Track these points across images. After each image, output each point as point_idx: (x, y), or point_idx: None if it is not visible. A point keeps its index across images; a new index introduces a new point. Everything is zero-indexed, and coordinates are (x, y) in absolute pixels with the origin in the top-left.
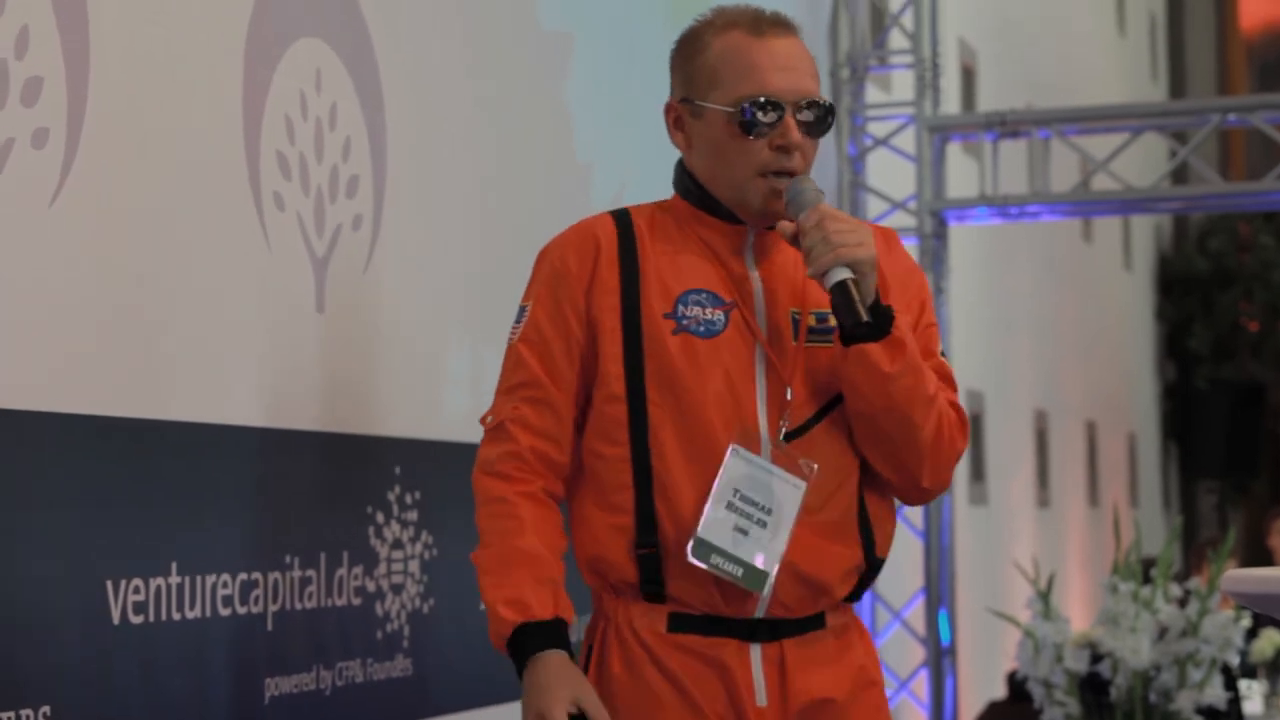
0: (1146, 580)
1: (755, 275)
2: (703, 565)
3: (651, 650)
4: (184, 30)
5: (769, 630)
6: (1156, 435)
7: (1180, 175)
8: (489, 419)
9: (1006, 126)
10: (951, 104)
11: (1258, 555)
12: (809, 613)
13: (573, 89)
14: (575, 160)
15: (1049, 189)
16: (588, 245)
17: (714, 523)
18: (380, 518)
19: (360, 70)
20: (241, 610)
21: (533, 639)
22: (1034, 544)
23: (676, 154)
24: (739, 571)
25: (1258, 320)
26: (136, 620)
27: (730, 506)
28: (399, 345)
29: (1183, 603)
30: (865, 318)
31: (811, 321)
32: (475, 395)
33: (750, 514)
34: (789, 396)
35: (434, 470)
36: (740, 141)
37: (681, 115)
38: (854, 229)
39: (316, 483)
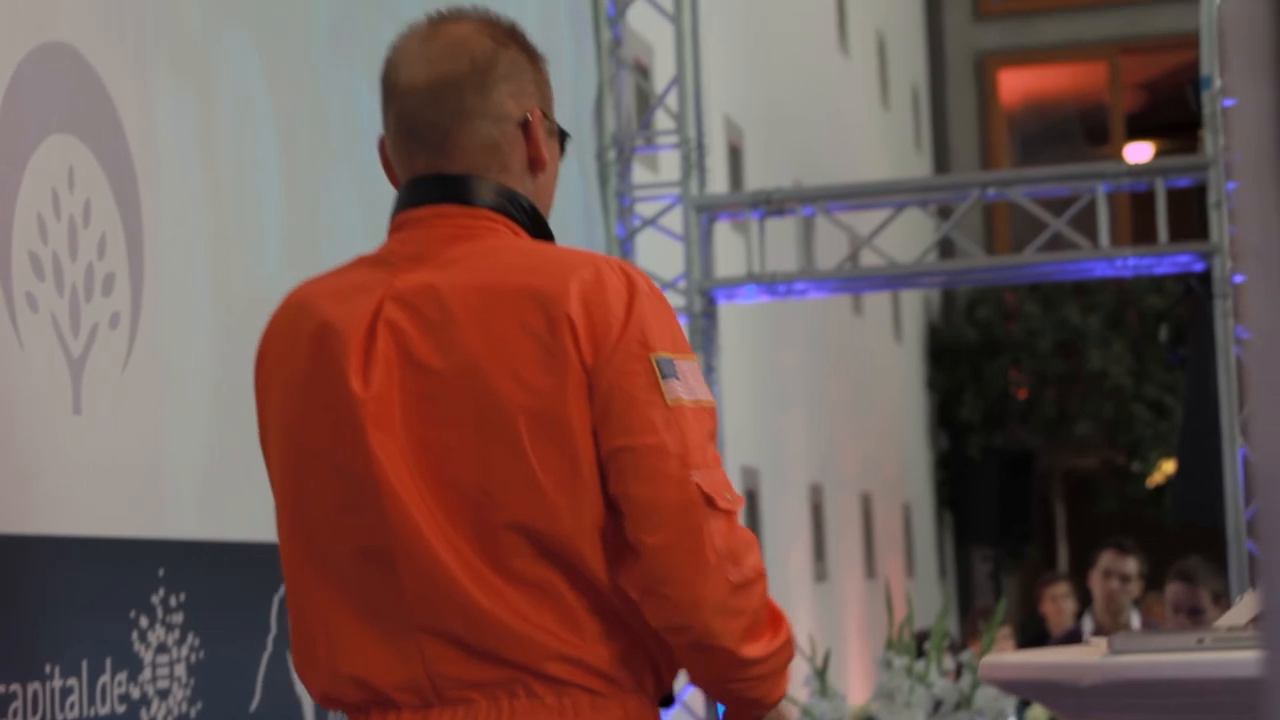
0: (920, 654)
1: None
2: None
3: None
4: None
5: None
6: (931, 504)
7: (946, 248)
8: (728, 496)
9: (772, 205)
10: (719, 182)
11: (1032, 621)
12: None
13: (334, 172)
14: (320, 250)
15: (816, 266)
16: None
17: None
18: (144, 621)
19: (114, 165)
20: None
21: None
22: (812, 619)
23: None
24: None
25: (1026, 388)
26: None
27: None
28: (160, 445)
29: (957, 675)
30: None
31: None
32: (241, 494)
33: None
34: None
35: (199, 571)
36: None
37: (543, 128)
38: None
39: (77, 588)
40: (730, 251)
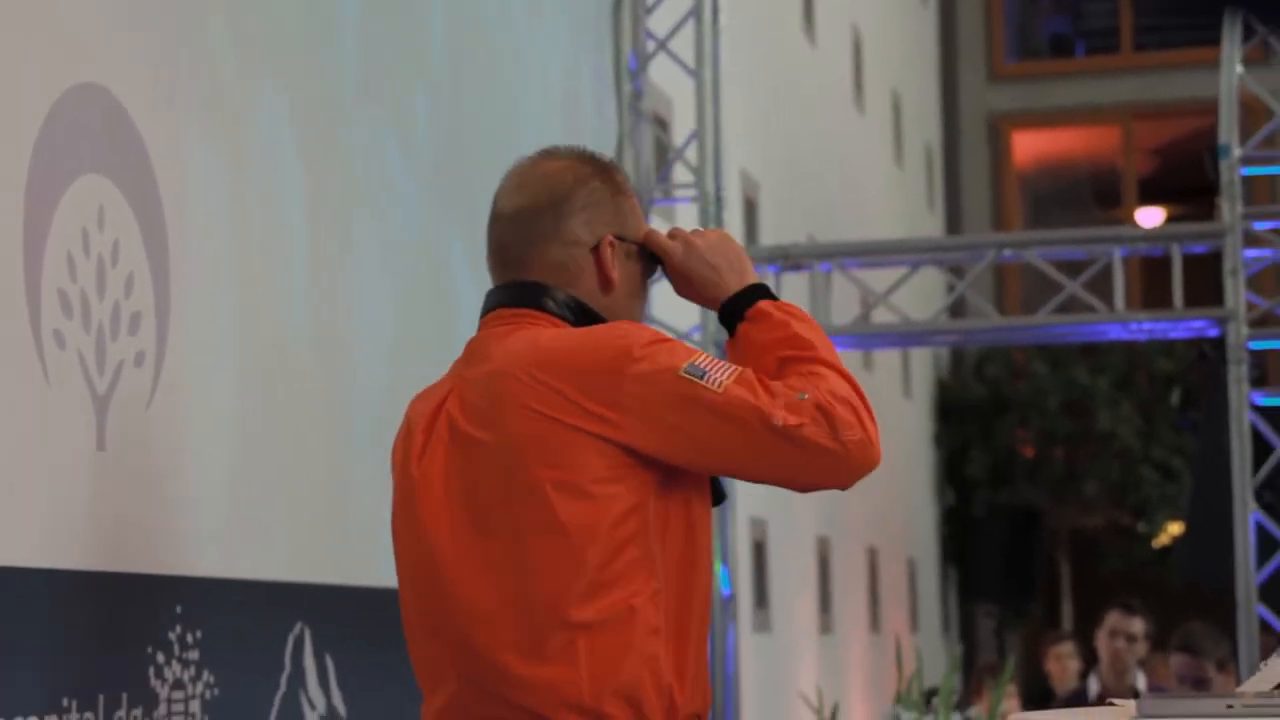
0: (929, 708)
1: None
2: None
3: None
4: None
5: None
6: (935, 560)
7: (958, 307)
8: (800, 396)
9: (789, 260)
10: (734, 235)
11: (1035, 679)
12: None
13: (359, 222)
14: (343, 297)
15: (830, 321)
16: None
17: None
18: (160, 657)
19: (144, 207)
20: None
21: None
22: (817, 671)
23: None
24: None
25: (1033, 446)
26: None
27: None
28: (181, 483)
29: None
30: None
31: None
32: (260, 534)
33: None
34: None
35: (216, 608)
36: (644, 286)
37: (616, 252)
38: None
39: (95, 623)
40: None
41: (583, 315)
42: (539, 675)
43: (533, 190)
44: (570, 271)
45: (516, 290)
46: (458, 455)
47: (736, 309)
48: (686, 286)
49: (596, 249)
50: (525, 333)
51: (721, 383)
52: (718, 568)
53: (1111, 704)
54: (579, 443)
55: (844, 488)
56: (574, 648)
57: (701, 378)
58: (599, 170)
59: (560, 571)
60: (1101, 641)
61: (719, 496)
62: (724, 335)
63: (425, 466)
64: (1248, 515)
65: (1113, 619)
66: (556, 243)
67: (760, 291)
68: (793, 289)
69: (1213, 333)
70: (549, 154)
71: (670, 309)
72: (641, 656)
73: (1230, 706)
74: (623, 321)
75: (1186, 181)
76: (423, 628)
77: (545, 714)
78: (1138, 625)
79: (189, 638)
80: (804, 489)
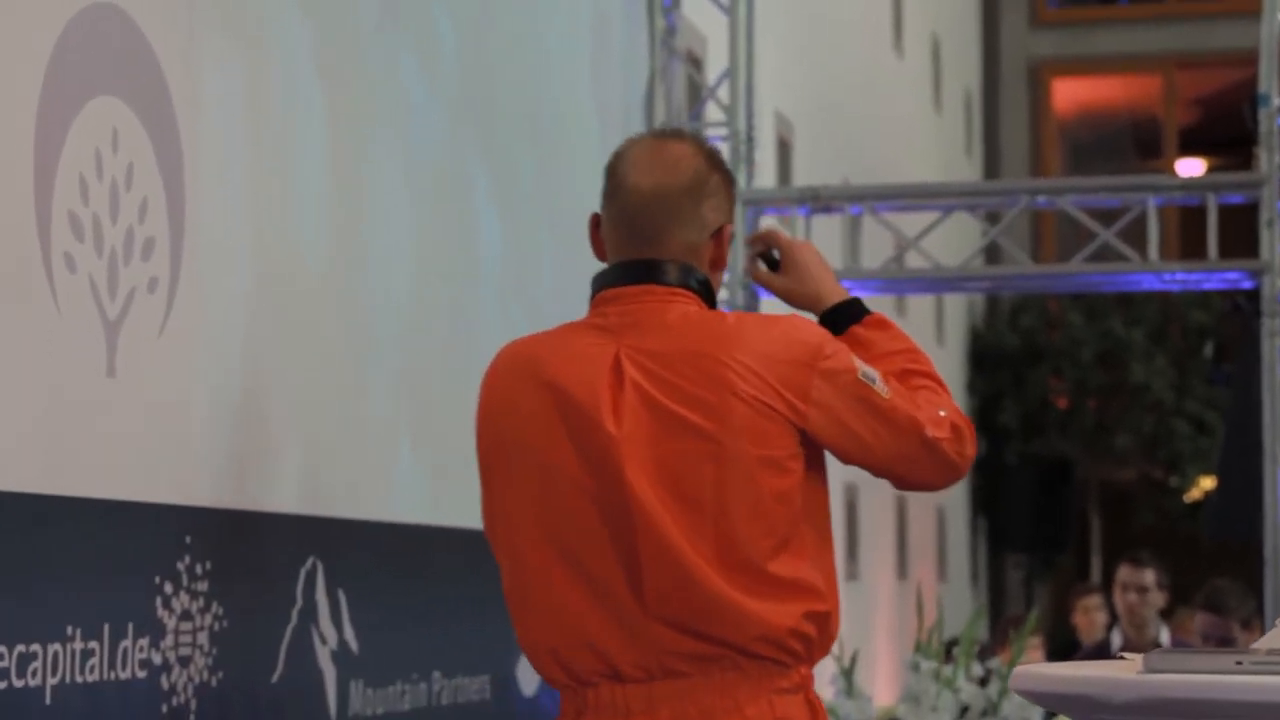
0: (949, 658)
1: None
2: None
3: None
4: None
5: None
6: (965, 510)
7: (992, 254)
8: (940, 413)
9: (820, 202)
10: (767, 177)
11: (1063, 632)
12: None
13: (380, 148)
14: (363, 224)
15: (861, 265)
16: None
17: None
18: (169, 588)
19: (159, 130)
20: (19, 683)
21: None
22: (843, 618)
23: None
24: None
25: (1066, 397)
26: None
27: None
28: (193, 411)
29: (984, 681)
30: None
31: None
32: (271, 465)
33: None
34: None
35: (226, 540)
36: None
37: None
38: None
39: (103, 551)
40: None
41: (710, 298)
42: (752, 609)
43: (672, 170)
44: (697, 253)
45: (665, 269)
46: (659, 427)
47: (852, 313)
48: (801, 283)
49: (718, 233)
50: (694, 310)
51: (887, 389)
52: None
53: (1123, 658)
54: (777, 423)
55: (931, 490)
56: (771, 596)
57: (873, 383)
58: (719, 160)
59: (756, 536)
60: (1116, 595)
61: None
62: None
63: (627, 429)
64: (1277, 470)
65: (1123, 573)
66: (694, 225)
67: (859, 302)
68: (823, 231)
69: (1247, 284)
70: (674, 135)
71: None
72: (828, 604)
73: (1239, 663)
74: (796, 315)
75: (1228, 133)
76: (599, 569)
77: (742, 646)
78: (1149, 577)
79: (198, 569)
80: (909, 488)
